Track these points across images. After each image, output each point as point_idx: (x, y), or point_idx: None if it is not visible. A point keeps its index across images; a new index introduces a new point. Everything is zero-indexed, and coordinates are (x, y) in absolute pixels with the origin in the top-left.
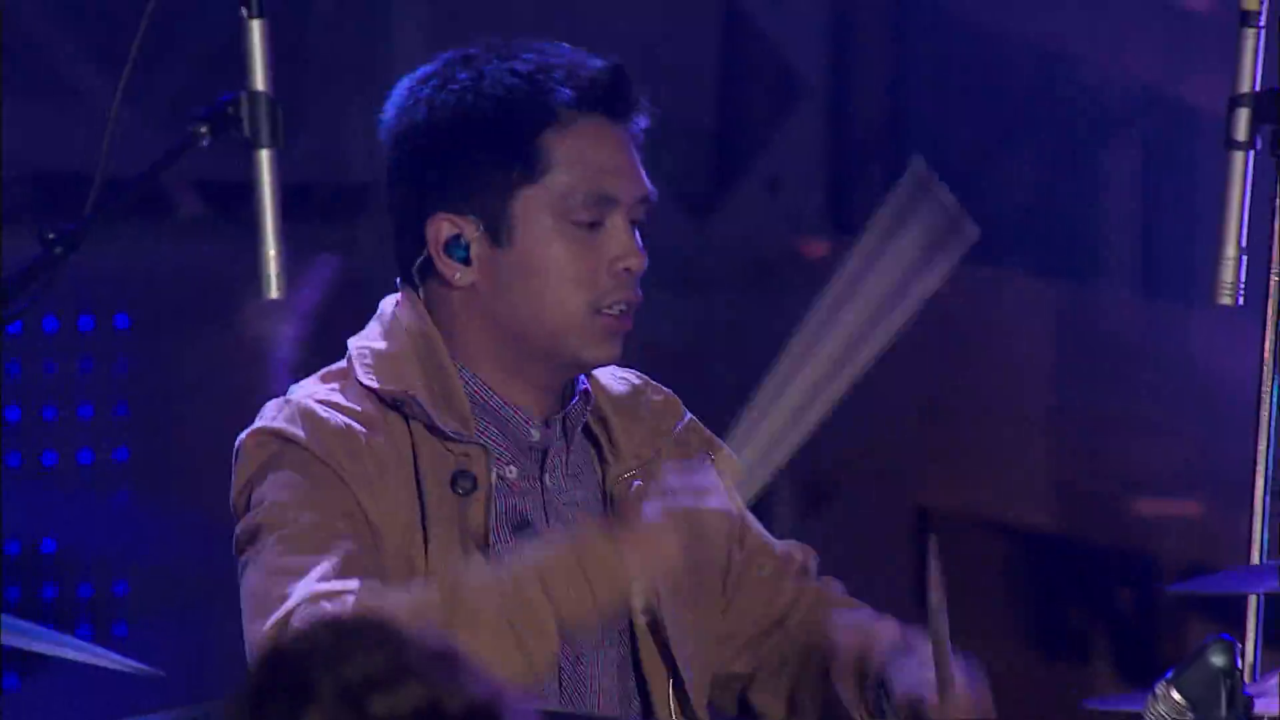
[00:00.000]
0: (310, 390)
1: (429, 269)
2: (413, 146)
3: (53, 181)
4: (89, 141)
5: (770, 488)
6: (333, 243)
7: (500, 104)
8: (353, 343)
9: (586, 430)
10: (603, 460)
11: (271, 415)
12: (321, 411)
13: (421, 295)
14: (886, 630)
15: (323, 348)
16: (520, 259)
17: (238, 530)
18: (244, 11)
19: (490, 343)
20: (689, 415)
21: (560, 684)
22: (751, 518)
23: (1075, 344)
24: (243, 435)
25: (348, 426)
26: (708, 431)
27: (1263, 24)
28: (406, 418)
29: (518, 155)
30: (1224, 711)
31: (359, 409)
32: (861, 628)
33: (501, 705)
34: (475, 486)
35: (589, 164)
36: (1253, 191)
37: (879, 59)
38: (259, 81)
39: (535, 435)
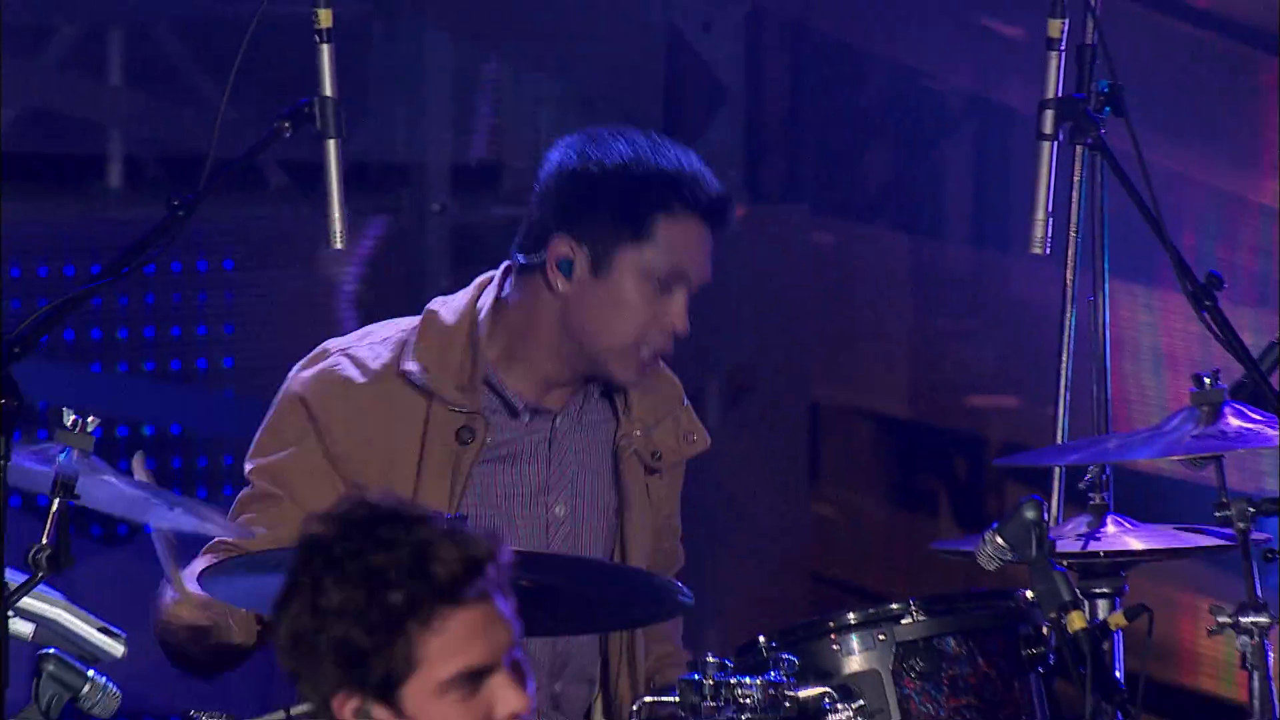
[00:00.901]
0: (351, 344)
1: (537, 268)
2: (572, 184)
3: (175, 161)
4: (202, 131)
5: (703, 387)
6: (381, 207)
7: (641, 182)
8: (432, 305)
9: (606, 393)
10: (616, 417)
11: (295, 371)
12: (340, 369)
13: (515, 279)
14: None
15: (374, 283)
16: (607, 291)
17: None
18: (317, 38)
19: (541, 338)
20: (686, 400)
21: None
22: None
23: (925, 281)
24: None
25: (361, 384)
26: (695, 417)
27: (1063, 48)
28: (466, 397)
29: (636, 223)
30: (1034, 552)
31: (388, 375)
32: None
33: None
34: (473, 438)
35: (679, 249)
36: (1056, 170)
37: (780, 73)
38: (327, 89)
39: (526, 416)
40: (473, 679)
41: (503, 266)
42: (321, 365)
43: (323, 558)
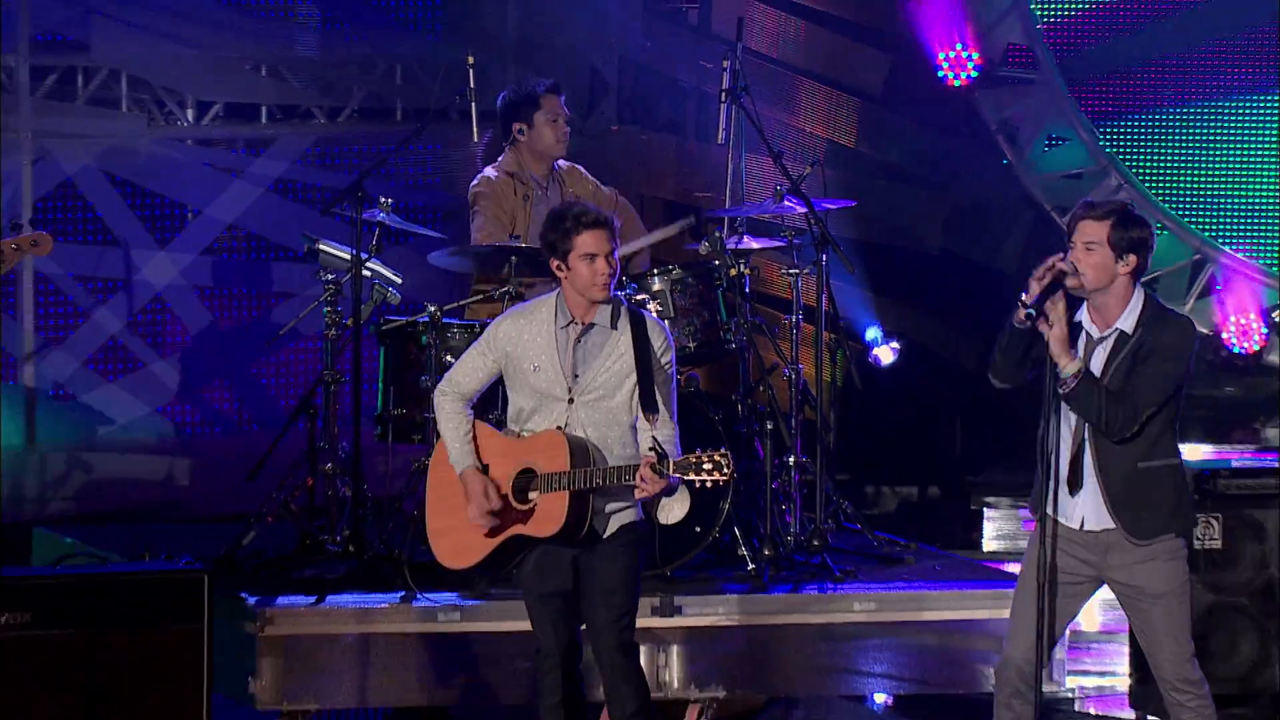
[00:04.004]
0: (493, 167)
1: (516, 140)
2: (508, 105)
3: (420, 110)
4: (427, 99)
5: (605, 181)
6: (489, 127)
7: (529, 90)
8: (502, 157)
9: (556, 179)
10: (562, 188)
11: (477, 179)
12: (492, 174)
13: (509, 149)
14: None
15: (489, 152)
16: (536, 131)
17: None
18: (468, 66)
19: (532, 155)
20: (586, 173)
21: None
22: None
23: (681, 154)
24: (471, 186)
25: (500, 179)
26: (590, 177)
27: (728, 69)
28: (513, 178)
29: (534, 104)
30: (714, 248)
31: (501, 174)
32: None
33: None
34: (529, 197)
35: (551, 105)
36: (728, 115)
37: (631, 79)
38: (471, 84)
39: (539, 192)
40: (593, 257)
41: (509, 146)
42: (483, 175)
43: (556, 213)
